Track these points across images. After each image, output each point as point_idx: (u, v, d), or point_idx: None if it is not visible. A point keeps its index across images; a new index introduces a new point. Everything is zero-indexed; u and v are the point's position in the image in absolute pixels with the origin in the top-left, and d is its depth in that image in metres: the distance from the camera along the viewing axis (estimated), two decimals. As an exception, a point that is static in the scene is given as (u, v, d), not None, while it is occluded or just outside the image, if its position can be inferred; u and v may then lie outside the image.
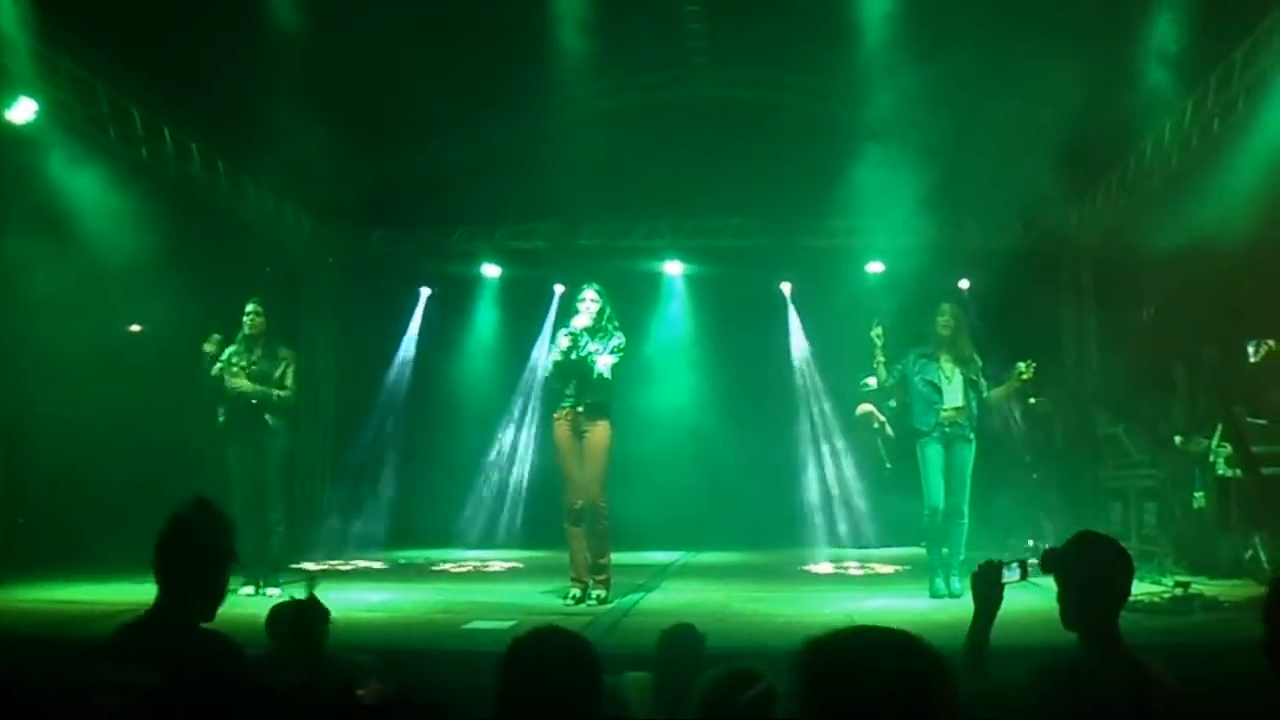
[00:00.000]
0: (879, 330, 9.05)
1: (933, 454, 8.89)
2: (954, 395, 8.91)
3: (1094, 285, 15.00)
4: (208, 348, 9.38)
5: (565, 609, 8.24)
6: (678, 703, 4.66)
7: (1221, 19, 10.01)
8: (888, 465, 14.65)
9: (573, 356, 8.65)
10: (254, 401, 9.37)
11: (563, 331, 8.83)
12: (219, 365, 9.38)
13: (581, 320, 8.68)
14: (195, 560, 3.40)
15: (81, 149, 10.80)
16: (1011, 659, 3.98)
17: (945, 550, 8.82)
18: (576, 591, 8.63)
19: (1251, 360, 10.26)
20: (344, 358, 16.10)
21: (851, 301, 15.96)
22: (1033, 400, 12.72)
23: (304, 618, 5.22)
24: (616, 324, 8.83)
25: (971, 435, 8.91)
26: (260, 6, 10.67)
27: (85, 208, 10.73)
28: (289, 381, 9.59)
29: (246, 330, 9.51)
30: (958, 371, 8.95)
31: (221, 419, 9.37)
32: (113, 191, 10.94)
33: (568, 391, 8.69)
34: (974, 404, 8.94)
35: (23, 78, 10.05)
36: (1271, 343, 10.41)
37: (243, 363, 9.43)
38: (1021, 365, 9.05)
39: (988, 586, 3.74)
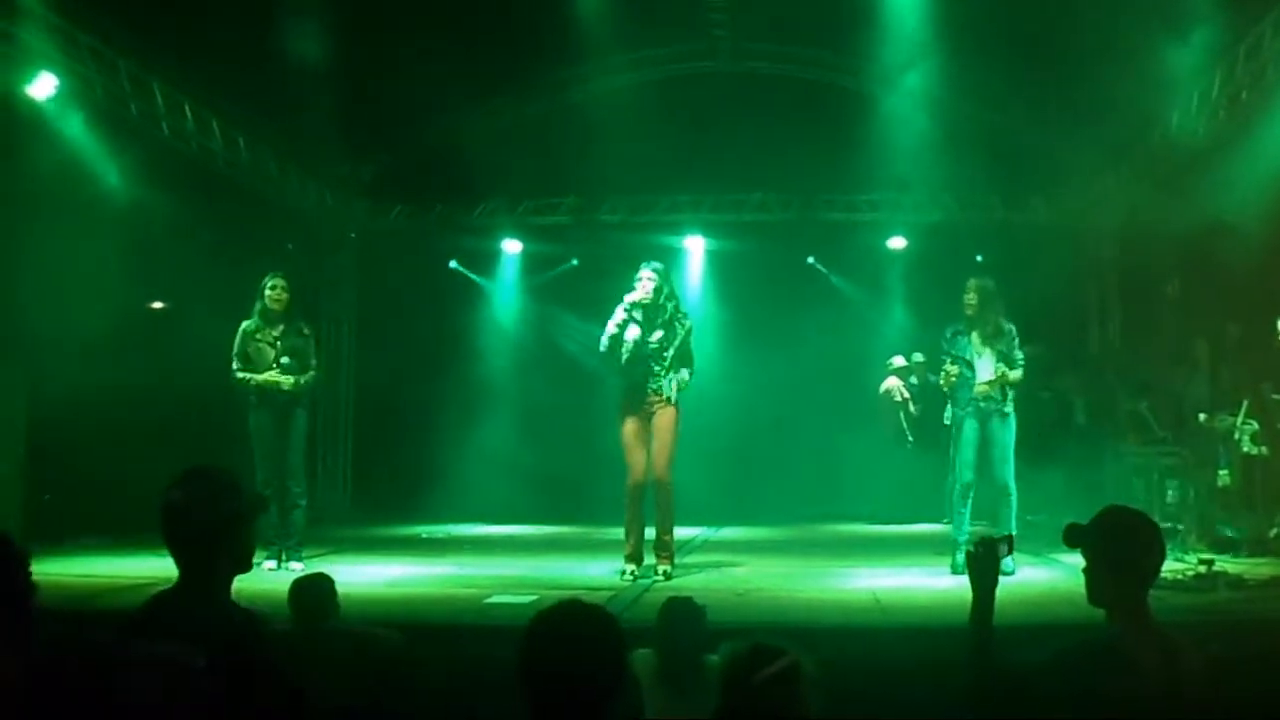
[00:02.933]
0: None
1: (967, 429, 8.78)
2: (985, 371, 8.77)
3: (1117, 260, 14.90)
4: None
5: (587, 583, 8.22)
6: (683, 675, 4.68)
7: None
8: (910, 440, 14.65)
9: (626, 338, 8.52)
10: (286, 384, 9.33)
11: (620, 306, 8.65)
12: (244, 364, 9.31)
13: (635, 295, 8.54)
14: (191, 541, 3.29)
15: (103, 124, 10.82)
16: (1035, 637, 3.96)
17: (971, 528, 8.71)
18: (633, 568, 8.54)
19: None
20: (365, 332, 16.16)
21: (873, 276, 16.01)
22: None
23: (316, 592, 5.24)
24: (676, 303, 8.75)
25: (1008, 410, 8.75)
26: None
27: (106, 183, 10.75)
28: (312, 360, 9.57)
29: (270, 305, 9.34)
30: (987, 348, 8.82)
31: (255, 398, 9.27)
32: (133, 167, 10.96)
33: (645, 379, 8.57)
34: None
35: (43, 52, 10.05)
36: None
37: (268, 339, 9.32)
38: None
39: (986, 566, 3.68)
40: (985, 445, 8.74)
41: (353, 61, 11.67)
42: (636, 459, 8.64)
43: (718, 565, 9.53)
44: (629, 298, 8.56)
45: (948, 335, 9.05)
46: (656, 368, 8.57)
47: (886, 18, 11.84)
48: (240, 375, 9.23)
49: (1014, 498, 8.72)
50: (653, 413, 8.59)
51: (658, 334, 8.59)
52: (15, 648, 2.57)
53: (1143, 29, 10.27)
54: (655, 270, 8.63)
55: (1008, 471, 8.71)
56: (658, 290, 8.57)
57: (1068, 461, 11.82)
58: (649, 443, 8.61)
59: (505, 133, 14.53)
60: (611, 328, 8.59)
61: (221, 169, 12.85)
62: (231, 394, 9.49)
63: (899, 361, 15.02)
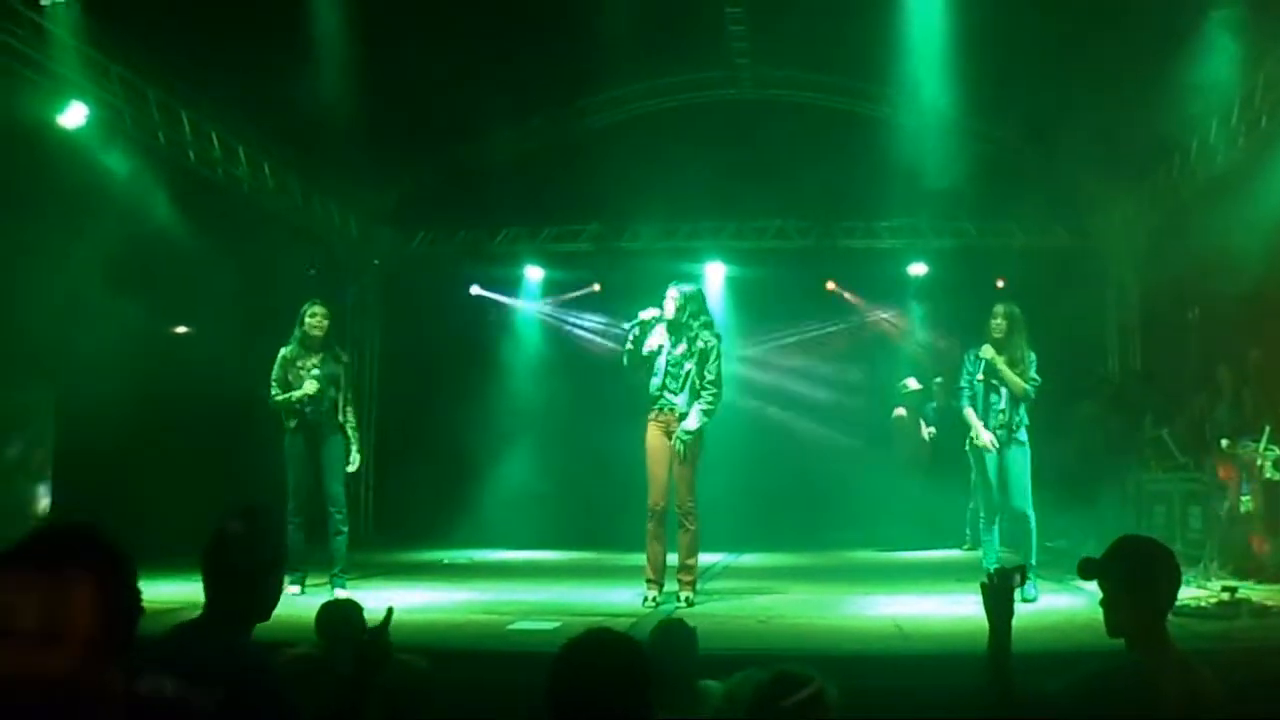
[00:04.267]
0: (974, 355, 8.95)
1: (988, 457, 8.72)
2: (1004, 397, 8.70)
3: (1137, 286, 14.90)
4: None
5: (610, 609, 8.23)
6: (672, 698, 4.69)
7: (1268, 14, 9.91)
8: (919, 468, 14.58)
9: (643, 351, 8.60)
10: (324, 406, 9.27)
11: (630, 323, 8.74)
12: (283, 387, 9.22)
13: (648, 312, 8.60)
14: (237, 575, 3.37)
15: (131, 152, 10.96)
16: (1054, 664, 3.97)
17: (1000, 554, 8.66)
18: (654, 594, 8.54)
19: None
20: (388, 358, 16.26)
21: (893, 302, 16.07)
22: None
23: (345, 617, 5.29)
24: (703, 321, 8.70)
25: (1023, 438, 8.69)
26: (305, 10, 10.78)
27: (134, 211, 10.87)
28: (349, 389, 9.52)
29: (310, 332, 9.27)
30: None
31: (293, 423, 9.21)
32: (161, 195, 11.10)
33: (661, 394, 8.63)
34: (1024, 408, 8.76)
35: (74, 82, 10.20)
36: None
37: (308, 367, 9.23)
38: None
39: (1002, 596, 3.71)
40: (1002, 472, 8.71)
41: (377, 89, 11.79)
42: (657, 475, 8.62)
43: (739, 592, 9.53)
44: (644, 313, 8.63)
45: (970, 357, 8.99)
46: (674, 384, 8.63)
47: (907, 45, 11.89)
48: (280, 398, 9.22)
49: (1033, 525, 8.62)
50: (674, 430, 8.60)
51: (681, 348, 8.63)
52: (123, 667, 2.63)
53: (1162, 56, 10.31)
54: (681, 290, 8.68)
55: (1025, 500, 8.63)
56: (680, 308, 8.61)
57: (1089, 488, 11.80)
58: (671, 461, 8.62)
59: (528, 160, 14.66)
60: (629, 343, 8.67)
61: (247, 195, 12.99)
62: (259, 420, 9.52)
63: (912, 384, 14.97)
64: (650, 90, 14.96)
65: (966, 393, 8.90)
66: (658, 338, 8.65)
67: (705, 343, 8.66)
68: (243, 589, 3.36)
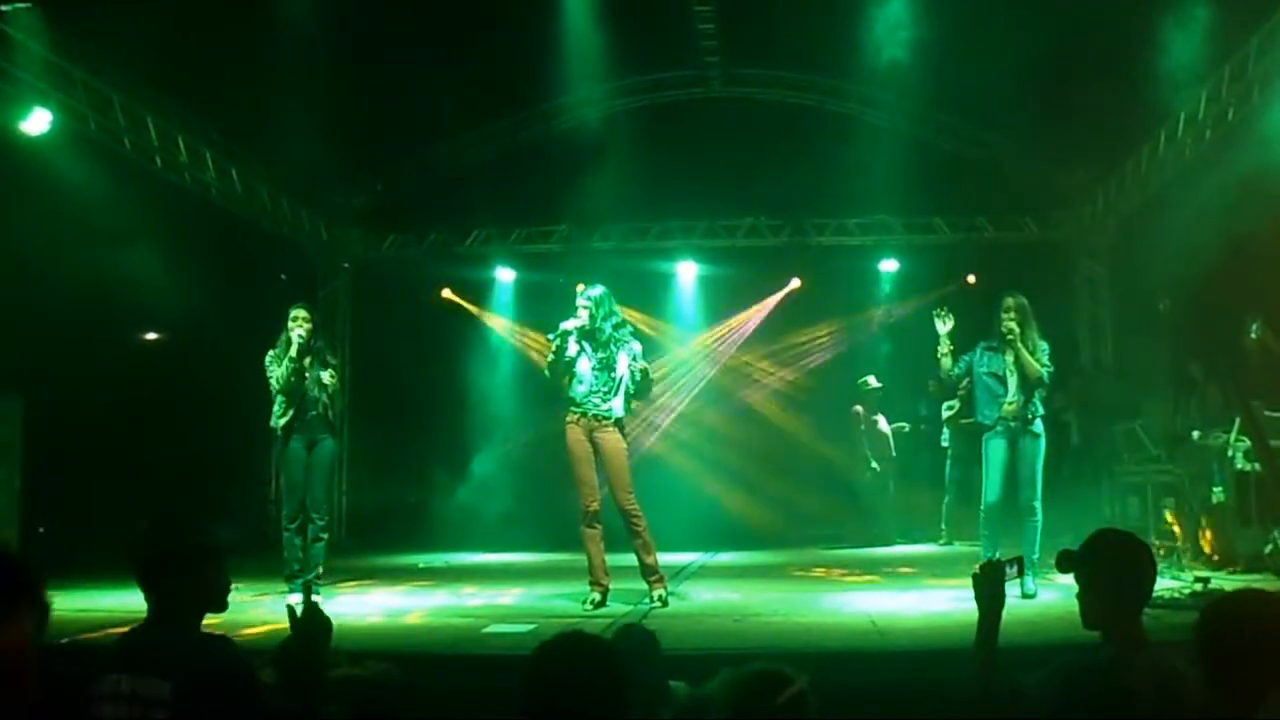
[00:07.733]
0: (943, 312, 8.80)
1: (995, 449, 8.60)
2: (1013, 388, 8.55)
3: (1108, 279, 14.97)
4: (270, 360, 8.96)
5: (584, 613, 8.20)
6: (637, 699, 4.64)
7: (1235, 8, 9.99)
8: (874, 466, 14.50)
9: (563, 359, 8.57)
10: (316, 410, 9.06)
11: (552, 334, 8.71)
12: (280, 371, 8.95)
13: (571, 322, 8.57)
14: (160, 570, 3.41)
15: (97, 158, 10.86)
16: (1030, 657, 3.97)
17: (996, 550, 8.56)
18: (596, 596, 8.48)
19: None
20: (359, 361, 16.17)
21: (864, 298, 16.09)
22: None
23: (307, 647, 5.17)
24: (616, 323, 8.67)
25: (1039, 429, 8.59)
26: (272, 13, 10.72)
27: (100, 217, 10.77)
28: (337, 388, 9.35)
29: (291, 336, 8.95)
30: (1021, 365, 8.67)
31: (282, 421, 8.96)
32: (127, 201, 11.00)
33: (587, 399, 8.62)
34: (1038, 398, 8.63)
35: (37, 88, 10.11)
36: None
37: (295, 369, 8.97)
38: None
39: (992, 588, 3.71)
40: (1013, 466, 8.58)
41: (345, 92, 11.73)
42: (585, 476, 8.59)
43: (714, 591, 9.51)
44: (565, 324, 8.60)
45: (979, 350, 8.79)
46: (603, 388, 8.61)
47: (876, 42, 11.91)
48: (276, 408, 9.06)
49: (1039, 519, 8.51)
50: (596, 433, 8.56)
51: (599, 355, 8.62)
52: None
53: (1131, 50, 10.37)
54: (590, 298, 8.64)
55: (1034, 493, 8.51)
56: (592, 316, 8.58)
57: (1064, 482, 11.83)
58: (597, 465, 8.59)
59: (497, 161, 14.63)
60: (550, 354, 8.63)
61: (215, 200, 12.89)
62: (230, 425, 9.43)
63: (872, 382, 14.90)
64: (619, 90, 14.93)
65: (960, 369, 8.78)
66: (573, 345, 8.60)
67: (631, 347, 8.68)
68: (167, 587, 3.38)
